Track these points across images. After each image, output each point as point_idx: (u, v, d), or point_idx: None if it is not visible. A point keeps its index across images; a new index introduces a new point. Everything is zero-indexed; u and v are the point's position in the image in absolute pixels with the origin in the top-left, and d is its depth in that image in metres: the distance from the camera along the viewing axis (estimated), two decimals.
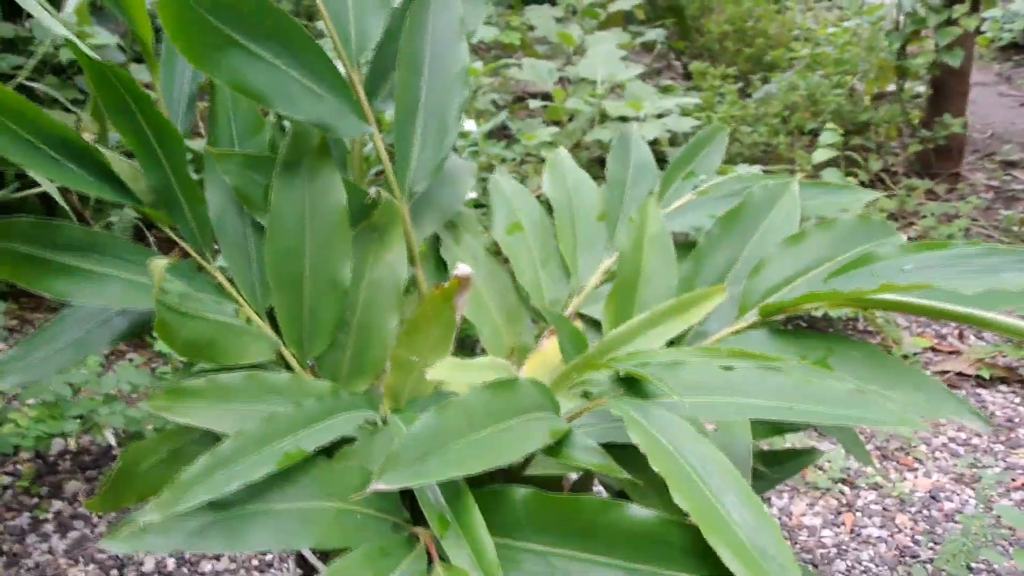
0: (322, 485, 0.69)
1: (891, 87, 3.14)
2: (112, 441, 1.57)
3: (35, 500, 1.66)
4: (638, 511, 0.62)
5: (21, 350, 0.80)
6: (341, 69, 0.91)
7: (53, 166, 0.75)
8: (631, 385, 0.79)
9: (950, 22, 2.80)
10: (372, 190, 0.96)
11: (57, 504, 1.65)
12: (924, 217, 2.81)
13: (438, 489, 0.67)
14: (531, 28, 2.80)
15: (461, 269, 0.91)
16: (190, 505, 0.61)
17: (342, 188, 0.90)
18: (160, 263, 0.70)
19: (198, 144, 1.04)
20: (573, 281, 1.10)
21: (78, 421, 1.57)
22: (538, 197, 1.22)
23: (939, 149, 3.02)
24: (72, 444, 1.81)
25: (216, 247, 0.90)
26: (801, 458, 0.92)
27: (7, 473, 1.73)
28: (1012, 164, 3.49)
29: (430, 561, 0.66)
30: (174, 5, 0.73)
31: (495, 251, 1.15)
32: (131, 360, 1.77)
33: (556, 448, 0.73)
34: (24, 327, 2.26)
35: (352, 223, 0.92)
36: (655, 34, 3.02)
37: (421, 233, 1.04)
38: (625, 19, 3.25)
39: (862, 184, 2.90)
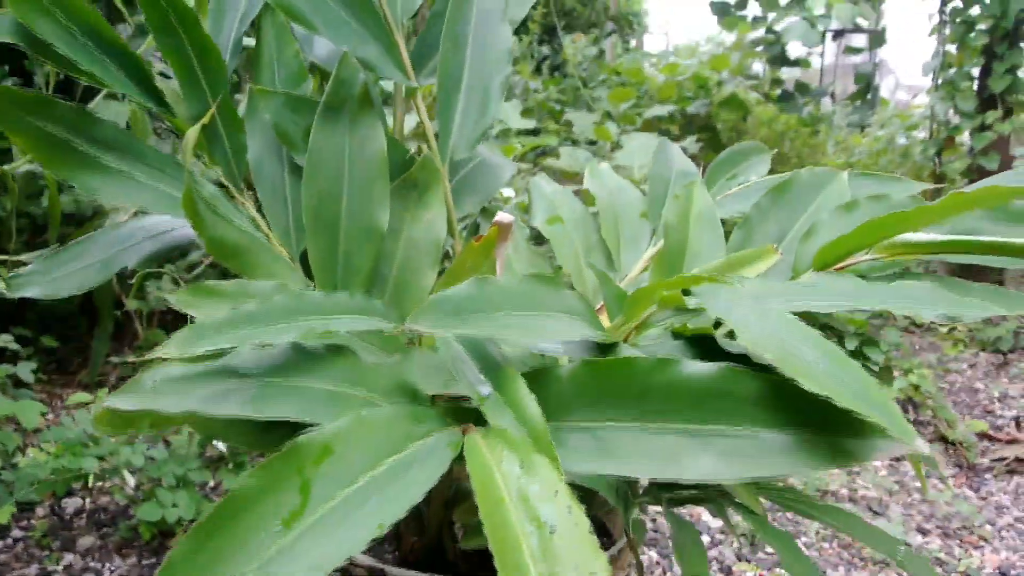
0: (351, 374, 0.64)
1: None
2: (131, 483, 1.51)
3: (46, 552, 1.58)
4: (695, 366, 0.56)
5: (44, 265, 0.77)
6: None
7: (98, 65, 0.74)
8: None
9: (984, 127, 2.82)
10: (412, 147, 0.94)
11: (69, 557, 1.57)
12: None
13: (474, 365, 0.62)
14: (570, 131, 2.86)
15: (502, 216, 0.88)
16: (210, 348, 0.57)
17: (383, 137, 0.89)
18: (192, 132, 0.68)
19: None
20: (616, 269, 1.06)
21: (97, 462, 1.51)
22: None
23: None
24: (88, 503, 1.74)
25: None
26: None
27: (20, 527, 1.66)
28: None
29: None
30: None
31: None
32: None
33: (606, 351, 0.68)
34: (53, 400, 2.23)
35: (391, 179, 0.90)
36: (688, 143, 3.08)
37: (461, 212, 1.02)
38: (659, 132, 3.33)
39: None
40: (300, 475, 0.48)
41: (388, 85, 1.20)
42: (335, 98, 0.88)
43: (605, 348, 0.69)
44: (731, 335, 0.78)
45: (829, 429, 0.53)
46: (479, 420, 0.60)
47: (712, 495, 0.80)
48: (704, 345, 0.70)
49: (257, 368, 0.61)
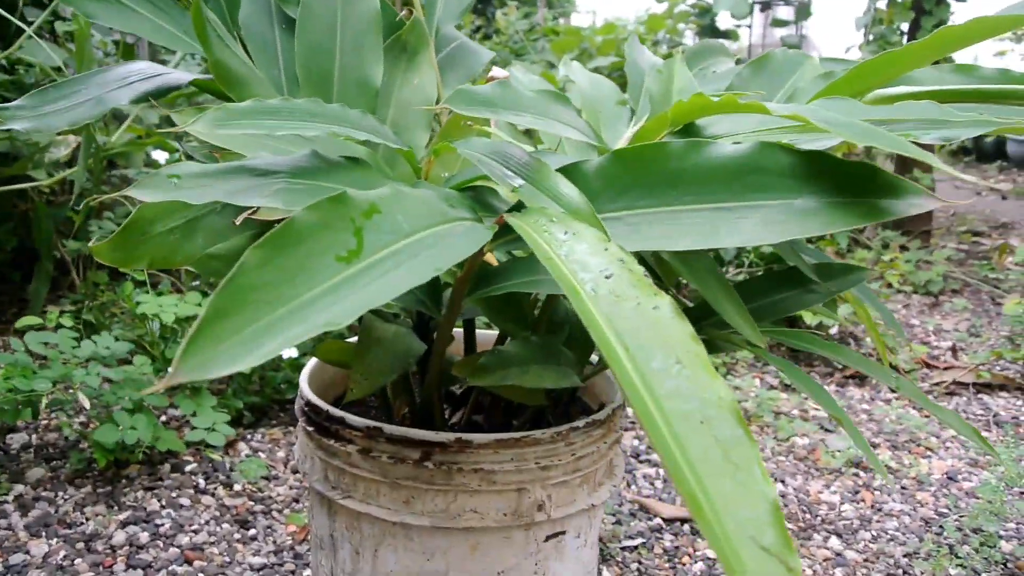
0: (371, 183, 0.64)
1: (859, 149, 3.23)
2: (87, 406, 1.46)
3: None
4: (727, 146, 0.57)
5: (33, 100, 0.74)
6: None
7: None
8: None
9: None
10: (402, 12, 0.94)
11: (19, 488, 1.51)
12: (900, 264, 2.84)
13: (502, 165, 0.62)
14: None
15: (497, 72, 0.88)
16: (237, 131, 0.55)
17: None
18: None
19: None
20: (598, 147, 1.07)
21: (51, 385, 1.46)
22: None
23: None
24: (34, 439, 1.68)
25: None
26: (853, 274, 0.87)
27: None
28: (978, 233, 3.58)
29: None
30: None
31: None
32: (111, 332, 1.67)
33: None
34: None
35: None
36: None
37: (446, 87, 1.02)
38: None
39: (833, 239, 2.94)
40: (352, 222, 0.48)
41: None
42: None
43: None
44: None
45: (863, 193, 0.54)
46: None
47: (719, 336, 0.82)
48: None
49: (279, 168, 0.60)
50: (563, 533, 0.89)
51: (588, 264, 0.49)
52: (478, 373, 0.77)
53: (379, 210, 0.50)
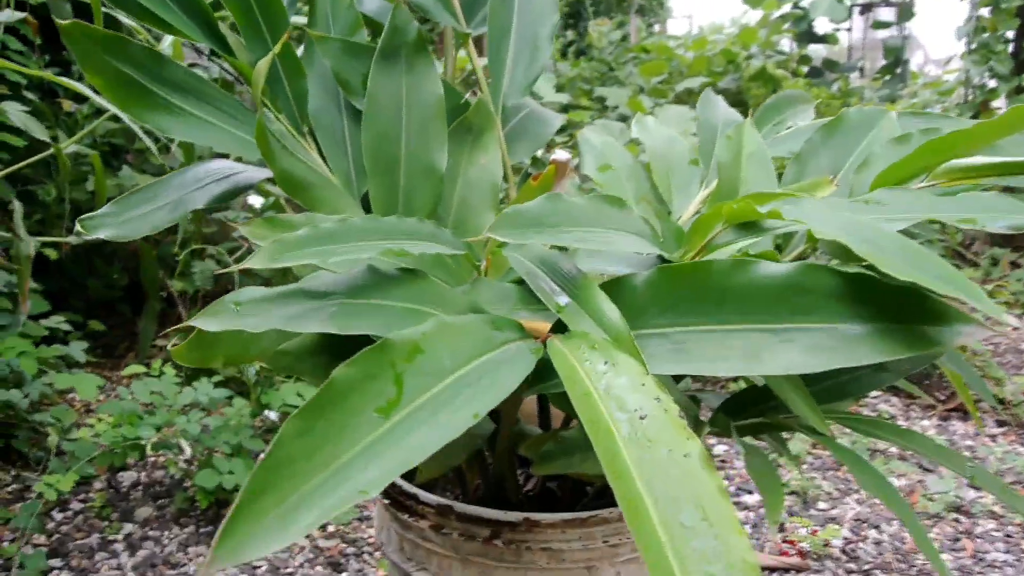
0: (426, 295, 0.65)
1: None
2: (187, 451, 1.53)
3: (106, 523, 1.61)
4: (773, 266, 0.57)
5: (116, 207, 0.79)
6: None
7: (168, 11, 0.76)
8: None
9: (1021, 90, 2.79)
10: (468, 95, 0.96)
11: (128, 527, 1.60)
12: (1011, 283, 2.71)
13: (549, 278, 0.63)
14: (602, 107, 2.86)
15: (559, 154, 0.89)
16: (294, 262, 0.58)
17: (439, 80, 0.90)
18: (263, 63, 0.69)
19: None
20: (669, 212, 1.06)
21: (155, 431, 1.54)
22: None
23: None
24: (143, 477, 1.78)
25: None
26: (931, 349, 0.84)
27: (79, 500, 1.69)
28: None
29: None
30: None
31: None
32: (210, 378, 1.75)
33: None
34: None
35: (447, 123, 0.91)
36: None
37: (513, 159, 1.03)
38: (690, 106, 3.32)
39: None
40: (393, 368, 0.50)
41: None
42: (391, 44, 0.89)
43: None
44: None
45: (909, 319, 0.53)
46: (555, 332, 0.62)
47: (779, 421, 0.81)
48: None
49: (335, 288, 0.63)
50: None
51: (625, 402, 0.50)
52: (542, 461, 0.78)
53: (421, 350, 0.52)
